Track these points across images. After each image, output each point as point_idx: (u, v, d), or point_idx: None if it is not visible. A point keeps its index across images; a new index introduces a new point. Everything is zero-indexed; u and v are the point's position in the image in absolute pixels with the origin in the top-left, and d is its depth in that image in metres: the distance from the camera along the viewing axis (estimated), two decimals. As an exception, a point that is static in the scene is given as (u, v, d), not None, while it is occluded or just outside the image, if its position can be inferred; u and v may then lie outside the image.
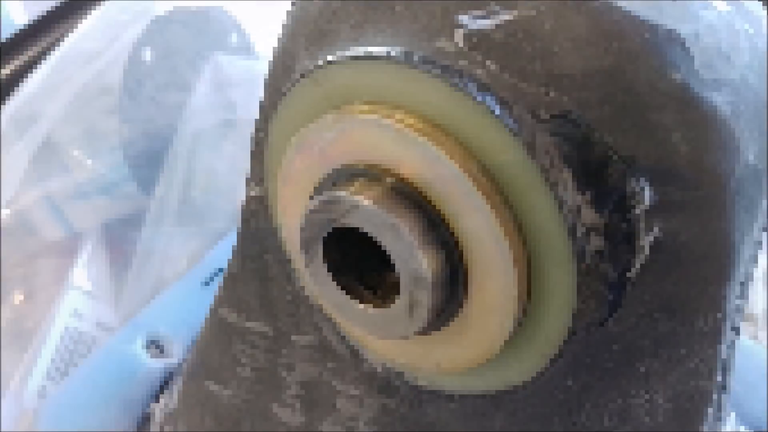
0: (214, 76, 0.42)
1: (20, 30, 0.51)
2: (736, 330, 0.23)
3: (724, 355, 0.22)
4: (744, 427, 0.34)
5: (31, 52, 0.50)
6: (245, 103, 0.42)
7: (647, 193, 0.16)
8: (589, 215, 0.16)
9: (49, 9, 0.51)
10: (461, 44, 0.16)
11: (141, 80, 0.40)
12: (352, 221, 0.17)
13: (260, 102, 0.22)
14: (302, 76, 0.19)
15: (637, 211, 0.16)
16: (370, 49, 0.17)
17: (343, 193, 0.17)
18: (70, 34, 0.46)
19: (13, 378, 0.39)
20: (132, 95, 0.40)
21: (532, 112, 0.16)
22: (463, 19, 0.16)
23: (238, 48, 0.45)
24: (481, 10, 0.16)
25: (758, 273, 0.44)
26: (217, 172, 0.42)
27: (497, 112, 0.16)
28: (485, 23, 0.16)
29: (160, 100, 0.40)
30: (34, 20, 0.50)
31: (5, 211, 0.39)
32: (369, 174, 0.17)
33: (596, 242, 0.16)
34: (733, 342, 0.23)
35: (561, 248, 0.16)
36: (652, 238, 0.16)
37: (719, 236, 0.17)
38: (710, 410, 0.21)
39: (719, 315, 0.18)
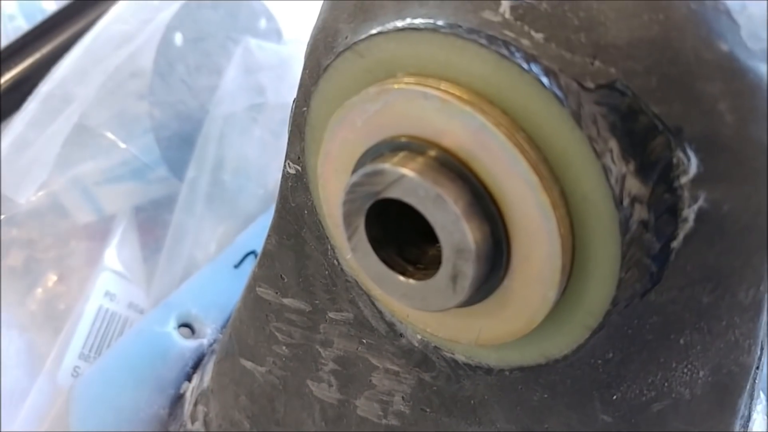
0: (244, 60, 0.42)
1: (51, 15, 0.51)
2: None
3: (763, 330, 0.22)
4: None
5: (62, 37, 0.50)
6: (275, 87, 0.43)
7: (693, 162, 0.16)
8: (634, 185, 0.16)
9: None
10: (507, 15, 0.16)
11: (172, 64, 0.41)
12: (395, 193, 0.17)
13: (301, 79, 0.22)
14: (345, 49, 0.19)
15: (683, 181, 0.16)
16: (416, 20, 0.17)
17: (386, 165, 0.17)
18: (101, 18, 0.47)
19: (48, 358, 0.40)
20: (163, 79, 0.40)
21: (579, 82, 0.16)
22: (509, -10, 0.16)
23: (267, 32, 0.46)
24: (526, -19, 0.16)
25: None
26: (247, 155, 0.42)
27: (544, 81, 0.16)
28: (531, -6, 0.16)
29: (191, 84, 0.41)
30: (65, 5, 0.51)
31: (39, 194, 0.40)
32: (413, 146, 0.18)
33: (641, 212, 0.16)
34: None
35: (606, 218, 0.16)
36: (696, 209, 0.16)
37: (763, 207, 0.17)
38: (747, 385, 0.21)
39: (762, 287, 0.18)
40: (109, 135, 0.40)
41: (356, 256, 0.20)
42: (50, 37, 0.50)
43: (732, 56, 0.16)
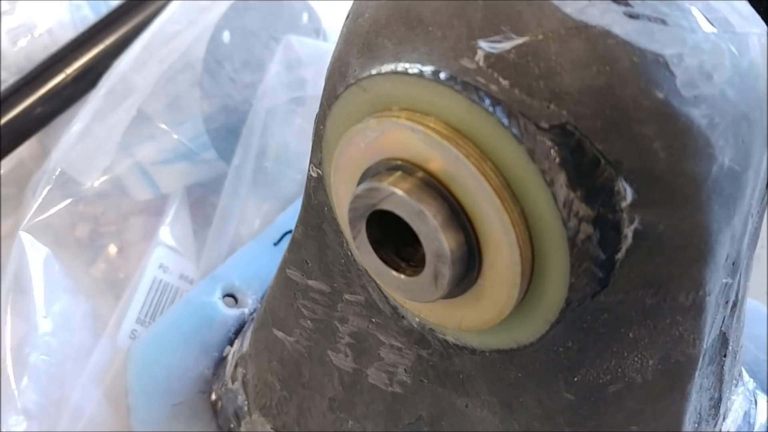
0: (286, 56, 0.46)
1: (114, 9, 0.56)
2: (735, 303, 0.26)
3: (718, 327, 0.25)
4: (762, 393, 0.37)
5: (124, 30, 0.55)
6: (314, 81, 0.46)
7: (629, 191, 0.19)
8: (581, 208, 0.19)
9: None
10: (481, 63, 0.20)
11: (220, 60, 0.45)
12: (388, 206, 0.21)
13: (321, 99, 0.26)
14: (353, 83, 0.22)
15: (623, 205, 0.19)
16: (407, 66, 0.21)
17: (381, 184, 0.21)
18: (159, 15, 0.51)
19: (109, 322, 0.45)
20: (212, 74, 0.44)
21: (535, 123, 0.19)
22: (483, 42, 0.20)
23: (309, 27, 0.49)
24: (498, 35, 0.20)
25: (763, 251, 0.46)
26: (287, 144, 0.46)
27: (505, 122, 0.19)
28: (501, 46, 0.19)
29: (237, 79, 0.45)
30: (124, 1, 0.56)
31: (103, 178, 0.45)
32: (404, 168, 0.21)
33: (587, 230, 0.20)
34: (734, 314, 0.27)
35: (557, 234, 0.20)
36: (633, 228, 0.19)
37: (696, 227, 0.20)
38: (699, 372, 0.24)
39: (700, 292, 0.21)
40: (164, 123, 0.45)
41: (360, 253, 0.23)
42: (113, 30, 0.55)
43: (667, 102, 0.19)
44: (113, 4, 0.63)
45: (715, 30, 0.20)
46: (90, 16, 0.62)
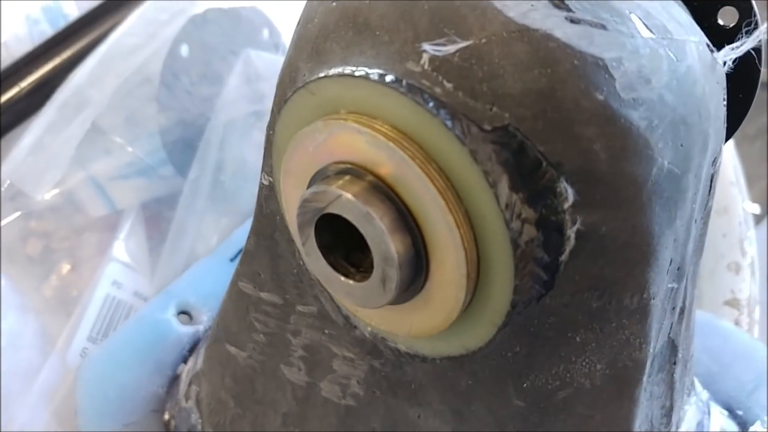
0: (245, 70, 0.46)
1: (69, 24, 0.55)
2: (683, 310, 0.26)
3: (666, 333, 0.25)
4: (716, 404, 0.37)
5: (80, 44, 0.54)
6: (273, 95, 0.46)
7: (570, 192, 0.19)
8: (523, 210, 0.19)
9: (97, 5, 0.56)
10: (426, 66, 0.20)
11: (178, 74, 0.44)
12: (335, 210, 0.21)
13: (272, 105, 0.26)
14: (301, 86, 0.22)
15: (564, 207, 0.20)
16: (354, 69, 0.21)
17: (329, 187, 0.21)
18: (116, 29, 0.51)
19: (59, 339, 0.44)
20: (170, 87, 0.44)
21: (478, 125, 0.19)
22: (428, 45, 0.20)
23: (269, 42, 0.49)
24: (443, 38, 0.20)
25: (746, 261, 0.47)
26: (245, 158, 0.46)
27: (449, 124, 0.19)
28: (445, 49, 0.20)
29: (195, 92, 0.45)
30: (82, 15, 0.55)
31: (54, 191, 0.44)
32: (352, 171, 0.21)
33: (530, 231, 0.20)
34: (682, 321, 0.27)
35: (501, 236, 0.20)
36: (575, 230, 0.20)
37: (638, 229, 0.20)
38: (648, 378, 0.25)
39: (645, 295, 0.22)
40: (120, 137, 0.44)
41: (309, 259, 0.23)
42: (69, 44, 0.54)
43: (606, 104, 0.19)
44: (71, 18, 0.62)
45: (653, 36, 0.20)
46: (48, 30, 0.62)
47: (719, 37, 0.32)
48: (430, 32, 0.20)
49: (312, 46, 0.23)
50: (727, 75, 0.24)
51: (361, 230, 0.21)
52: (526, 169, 0.19)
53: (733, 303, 0.46)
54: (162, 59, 0.45)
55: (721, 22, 0.31)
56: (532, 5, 0.20)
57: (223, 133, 0.45)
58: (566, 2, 0.20)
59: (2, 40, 0.60)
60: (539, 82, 0.19)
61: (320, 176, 0.22)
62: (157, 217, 0.48)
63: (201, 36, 0.45)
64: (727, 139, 0.32)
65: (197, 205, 0.45)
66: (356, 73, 0.21)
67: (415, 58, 0.20)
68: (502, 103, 0.19)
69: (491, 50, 0.19)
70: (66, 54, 0.54)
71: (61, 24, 0.61)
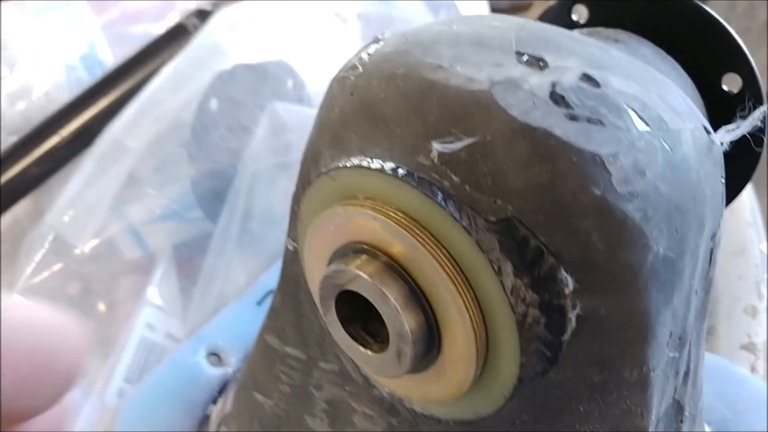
0: (271, 122, 0.48)
1: (105, 75, 0.58)
2: (687, 372, 0.28)
3: (670, 396, 0.27)
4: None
5: (115, 95, 0.57)
6: (299, 145, 0.48)
7: (570, 280, 0.21)
8: (527, 294, 0.21)
9: (130, 56, 0.59)
10: (436, 160, 0.22)
11: (207, 127, 0.47)
12: (354, 287, 0.23)
13: (297, 180, 0.27)
14: (324, 172, 0.24)
15: (565, 292, 0.21)
16: (370, 161, 0.22)
17: (348, 267, 0.23)
18: (147, 80, 0.54)
19: (99, 379, 0.46)
20: (200, 140, 0.46)
21: (483, 217, 0.21)
22: (436, 143, 0.21)
23: (293, 94, 0.51)
24: (450, 135, 0.21)
25: (763, 305, 0.48)
26: (272, 206, 0.48)
27: (456, 215, 0.21)
28: (452, 147, 0.21)
29: (224, 145, 0.47)
30: (116, 67, 0.58)
31: (95, 241, 0.46)
32: (368, 251, 0.23)
33: (534, 313, 0.21)
34: (687, 382, 0.28)
35: (508, 318, 0.21)
36: (575, 313, 0.21)
37: (635, 311, 0.22)
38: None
39: (644, 369, 0.23)
40: (151, 190, 0.47)
41: (330, 328, 0.25)
42: (105, 94, 0.57)
43: (603, 198, 0.21)
44: (107, 65, 0.65)
45: (648, 128, 0.22)
46: (85, 77, 0.65)
47: (725, 102, 0.33)
48: (439, 128, 0.22)
49: (333, 133, 0.25)
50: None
51: (377, 307, 0.23)
52: (528, 257, 0.21)
53: (749, 347, 0.46)
54: (192, 111, 0.48)
55: (725, 88, 0.33)
56: (534, 103, 0.21)
57: (250, 183, 0.47)
58: (566, 99, 0.22)
59: (44, 89, 0.63)
60: (540, 177, 0.21)
61: (339, 254, 0.24)
62: (188, 261, 0.50)
63: (229, 91, 0.47)
64: (732, 199, 0.33)
65: (226, 251, 0.47)
66: (372, 166, 0.22)
67: (425, 152, 0.22)
68: (505, 196, 0.21)
69: (495, 147, 0.21)
70: (103, 103, 0.57)
71: (97, 70, 0.65)
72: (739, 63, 0.31)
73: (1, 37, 0.63)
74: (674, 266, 0.22)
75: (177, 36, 0.59)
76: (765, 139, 0.32)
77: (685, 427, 0.30)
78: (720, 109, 0.32)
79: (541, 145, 0.21)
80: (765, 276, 0.50)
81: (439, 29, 0.25)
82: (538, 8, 0.79)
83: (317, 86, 0.52)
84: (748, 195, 0.54)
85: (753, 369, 0.45)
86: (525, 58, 0.23)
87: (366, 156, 0.23)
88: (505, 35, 0.24)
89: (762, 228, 0.53)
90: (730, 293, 0.50)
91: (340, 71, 0.26)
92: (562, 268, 0.21)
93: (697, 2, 0.32)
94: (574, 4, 0.36)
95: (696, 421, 0.32)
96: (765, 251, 0.52)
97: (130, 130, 0.49)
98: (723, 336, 0.48)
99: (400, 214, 0.22)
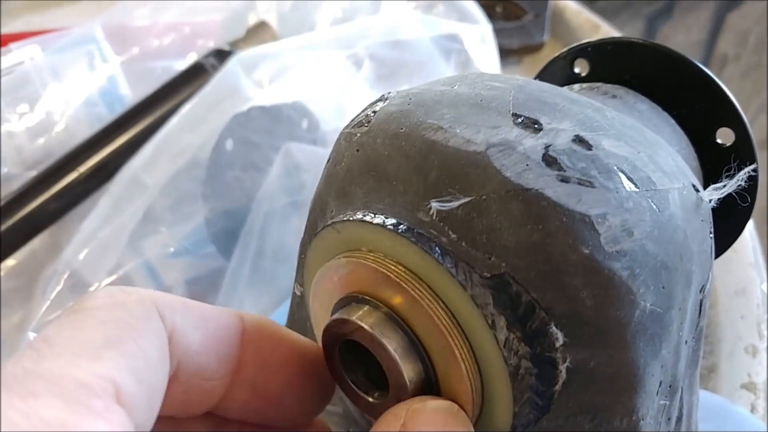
0: (285, 162, 0.49)
1: (124, 113, 0.60)
2: (680, 417, 0.29)
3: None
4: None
5: (132, 132, 0.59)
6: (312, 185, 0.50)
7: (560, 335, 0.22)
8: (520, 347, 0.22)
9: (149, 95, 0.61)
10: (434, 217, 0.23)
11: (223, 167, 0.48)
12: (356, 338, 0.24)
13: (304, 230, 0.29)
14: (329, 224, 0.26)
15: (556, 346, 0.22)
16: (372, 216, 0.24)
17: (350, 317, 0.24)
18: (164, 119, 0.55)
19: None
20: (215, 179, 0.48)
21: (478, 273, 0.22)
22: (435, 201, 0.23)
23: (307, 135, 0.53)
24: (449, 194, 0.23)
25: (763, 344, 0.49)
26: (284, 243, 0.49)
27: (453, 271, 0.22)
28: (449, 205, 0.23)
29: (239, 185, 0.48)
30: (134, 105, 0.60)
31: (110, 279, 0.48)
32: (370, 302, 0.24)
33: (526, 365, 0.22)
34: (681, 426, 0.29)
35: (501, 369, 0.22)
36: (565, 366, 0.22)
37: (624, 363, 0.23)
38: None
39: (634, 417, 0.24)
40: (165, 229, 0.48)
41: (332, 375, 0.26)
42: (122, 132, 0.59)
43: (591, 257, 0.22)
44: (127, 101, 0.67)
45: (637, 189, 0.23)
46: (104, 112, 0.67)
47: (719, 154, 0.34)
48: (438, 186, 0.23)
49: (339, 186, 0.26)
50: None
51: (377, 357, 0.24)
52: (521, 312, 0.22)
53: (749, 387, 0.47)
54: (208, 151, 0.49)
55: (719, 141, 0.34)
56: (527, 165, 0.23)
57: (263, 222, 0.48)
58: (558, 161, 0.23)
59: (64, 124, 0.66)
60: (531, 236, 0.22)
61: (343, 303, 0.25)
62: (200, 296, 0.51)
63: (244, 132, 0.49)
64: (726, 248, 0.34)
65: (238, 288, 0.49)
66: (374, 221, 0.24)
67: (425, 209, 0.23)
68: (499, 253, 0.22)
69: (490, 206, 0.22)
70: (121, 140, 0.59)
71: (117, 106, 0.67)
72: (732, 118, 0.33)
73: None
74: (661, 320, 0.23)
75: (195, 75, 0.62)
76: (757, 190, 0.33)
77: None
78: (714, 161, 0.34)
79: (533, 206, 0.22)
80: (766, 316, 0.51)
81: (441, 89, 0.26)
82: (550, 48, 0.81)
83: (331, 126, 0.53)
84: (750, 235, 0.55)
85: (753, 408, 0.46)
86: (521, 119, 0.24)
87: (369, 210, 0.24)
88: (503, 97, 0.25)
89: (763, 268, 0.54)
90: (732, 332, 0.50)
91: (347, 126, 0.27)
92: (553, 323, 0.22)
93: (693, 60, 0.33)
94: (576, 57, 0.37)
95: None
96: (766, 291, 0.53)
97: (148, 167, 0.51)
98: (724, 375, 0.48)
99: (401, 268, 0.23)
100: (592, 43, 0.36)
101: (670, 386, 0.26)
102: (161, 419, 0.23)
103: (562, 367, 0.22)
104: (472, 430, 0.22)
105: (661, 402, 0.26)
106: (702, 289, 0.26)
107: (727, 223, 0.32)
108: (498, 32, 0.64)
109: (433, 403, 0.22)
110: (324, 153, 0.52)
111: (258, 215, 0.48)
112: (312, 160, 0.50)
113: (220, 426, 0.25)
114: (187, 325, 0.22)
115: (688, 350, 0.27)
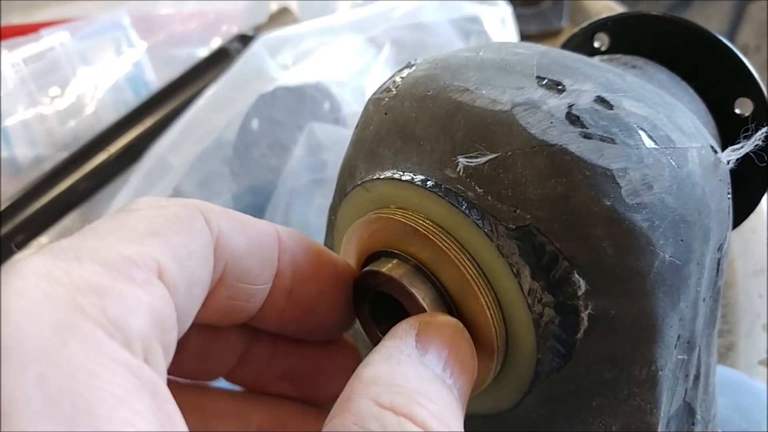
0: (308, 142, 0.51)
1: (151, 96, 0.62)
2: (698, 376, 0.29)
3: (680, 398, 0.28)
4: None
5: (159, 114, 0.61)
6: (334, 164, 0.51)
7: (582, 283, 0.23)
8: (543, 295, 0.23)
9: (175, 79, 0.62)
10: (461, 173, 0.24)
11: (249, 146, 0.50)
12: (386, 289, 0.25)
13: (334, 194, 0.30)
14: (359, 184, 0.27)
15: (578, 294, 0.23)
16: (401, 174, 0.25)
17: (380, 269, 0.25)
18: (190, 100, 0.57)
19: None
20: (242, 158, 0.49)
21: (504, 224, 0.23)
22: (462, 157, 0.24)
23: (330, 115, 0.54)
24: (475, 151, 0.24)
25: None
26: (308, 221, 0.50)
27: (479, 223, 0.23)
28: (476, 161, 0.24)
29: (264, 162, 0.50)
30: (161, 89, 0.61)
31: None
32: (399, 256, 0.25)
33: (549, 313, 0.23)
34: (698, 386, 0.30)
35: (524, 317, 0.23)
36: (587, 313, 0.23)
37: (643, 312, 0.24)
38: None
39: (653, 367, 0.25)
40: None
41: (363, 328, 0.27)
42: (151, 114, 0.61)
43: (613, 209, 0.23)
44: (152, 86, 0.69)
45: (656, 146, 0.24)
46: (131, 97, 0.69)
47: (737, 124, 0.35)
48: (464, 144, 0.24)
49: (368, 149, 0.27)
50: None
51: (406, 306, 0.25)
52: (544, 261, 0.23)
53: (767, 363, 0.48)
54: (235, 131, 0.51)
55: (738, 111, 0.35)
56: (551, 122, 0.24)
57: (288, 199, 0.49)
58: (581, 119, 0.24)
59: (93, 107, 0.67)
60: (556, 189, 0.23)
61: (373, 259, 0.26)
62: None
63: (270, 111, 0.50)
64: (744, 218, 0.35)
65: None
66: (403, 178, 0.25)
67: (452, 166, 0.24)
68: (524, 206, 0.23)
69: (515, 162, 0.23)
70: (149, 122, 0.61)
71: (143, 91, 0.68)
72: (751, 88, 0.33)
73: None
74: (680, 272, 0.24)
75: (220, 59, 0.63)
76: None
77: (697, 429, 0.31)
78: (733, 131, 0.34)
79: (557, 161, 0.23)
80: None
81: (467, 55, 0.27)
82: (567, 34, 0.81)
83: (352, 107, 0.55)
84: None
85: (771, 384, 0.46)
86: (545, 82, 0.25)
87: (398, 169, 0.25)
88: (527, 61, 0.26)
89: (782, 248, 0.55)
90: (750, 311, 0.51)
91: (375, 93, 0.28)
92: (576, 271, 0.23)
93: (711, 31, 0.34)
94: (596, 32, 0.38)
95: (709, 426, 0.33)
96: (785, 271, 0.53)
97: (175, 147, 0.52)
98: (742, 352, 0.49)
99: (428, 222, 0.24)
100: (611, 17, 0.37)
101: (688, 342, 0.27)
102: (200, 328, 0.24)
103: (584, 315, 0.23)
104: (473, 348, 0.23)
105: (679, 356, 0.27)
106: (720, 248, 0.27)
107: (746, 189, 0.33)
108: (516, 18, 0.65)
109: (442, 317, 0.23)
110: (345, 133, 0.53)
111: (283, 192, 0.49)
112: (334, 140, 0.52)
113: (255, 338, 0.26)
114: (232, 229, 0.22)
115: (706, 308, 0.28)
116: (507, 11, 0.59)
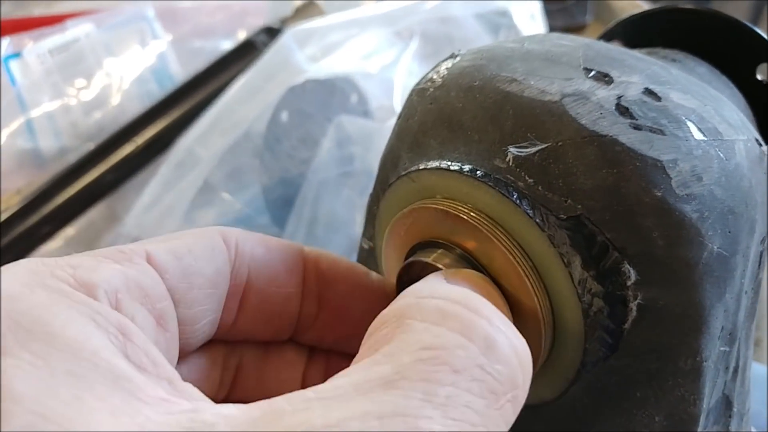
0: (337, 135, 0.51)
1: (177, 88, 0.62)
2: (737, 369, 0.29)
3: (720, 390, 0.28)
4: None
5: (186, 106, 0.61)
6: (362, 157, 0.51)
7: (632, 272, 0.23)
8: (592, 285, 0.23)
9: (201, 71, 0.62)
10: (511, 163, 0.24)
11: (279, 138, 0.50)
12: (432, 278, 0.25)
13: (374, 183, 0.30)
14: (403, 174, 0.27)
15: (627, 284, 0.23)
16: (449, 164, 0.25)
17: (426, 259, 0.25)
18: (216, 93, 0.57)
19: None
20: (272, 150, 0.50)
21: (555, 215, 0.23)
22: (512, 147, 0.24)
23: (358, 108, 0.54)
24: (525, 141, 0.24)
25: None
26: (336, 213, 0.51)
27: (530, 213, 0.23)
28: (527, 150, 0.24)
29: (294, 155, 0.50)
30: (187, 81, 0.62)
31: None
32: (444, 245, 0.25)
33: (598, 303, 0.23)
34: (736, 379, 0.30)
35: (573, 306, 0.24)
36: (636, 303, 0.23)
37: (691, 303, 0.24)
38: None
39: (698, 358, 0.25)
40: (227, 195, 0.50)
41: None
42: (177, 105, 0.61)
43: (663, 200, 0.23)
44: (176, 79, 0.69)
45: (705, 138, 0.24)
46: (155, 89, 0.69)
47: (760, 90, 0.35)
48: (514, 134, 0.24)
49: (412, 139, 0.27)
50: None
51: (454, 297, 0.25)
52: (595, 251, 0.23)
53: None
54: (264, 122, 0.51)
55: (759, 77, 0.34)
56: (601, 113, 0.24)
57: (317, 191, 0.50)
58: (630, 110, 0.24)
59: (119, 98, 0.68)
60: (607, 180, 0.23)
61: (418, 248, 0.27)
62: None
63: (299, 103, 0.50)
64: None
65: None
66: (451, 168, 0.25)
67: (501, 156, 0.24)
68: (575, 196, 0.23)
69: (566, 152, 0.23)
70: (175, 114, 0.61)
71: (167, 83, 0.69)
72: (790, 82, 0.33)
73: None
74: (727, 264, 0.24)
75: (245, 52, 0.63)
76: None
77: (733, 422, 0.31)
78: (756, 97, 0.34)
79: (608, 151, 0.23)
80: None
81: (512, 47, 0.27)
82: (592, 30, 0.81)
83: (379, 101, 0.55)
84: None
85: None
86: (592, 73, 0.25)
87: (445, 159, 0.26)
88: (573, 53, 0.26)
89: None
90: (778, 307, 0.51)
91: (419, 83, 0.29)
92: (626, 261, 0.23)
93: (753, 26, 0.34)
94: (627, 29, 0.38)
95: (744, 419, 0.33)
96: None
97: (204, 139, 0.52)
98: (769, 348, 0.49)
99: (476, 211, 0.24)
100: (650, 11, 0.37)
101: (730, 334, 0.27)
102: (253, 346, 0.25)
103: (633, 305, 0.23)
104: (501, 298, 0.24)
105: (722, 348, 0.27)
106: (763, 241, 0.27)
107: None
108: (542, 12, 0.65)
109: (467, 270, 0.24)
110: (374, 126, 0.53)
111: (312, 184, 0.49)
112: (362, 133, 0.52)
113: (311, 357, 0.27)
114: (251, 239, 0.24)
115: (748, 301, 0.28)
116: (536, 6, 0.59)
